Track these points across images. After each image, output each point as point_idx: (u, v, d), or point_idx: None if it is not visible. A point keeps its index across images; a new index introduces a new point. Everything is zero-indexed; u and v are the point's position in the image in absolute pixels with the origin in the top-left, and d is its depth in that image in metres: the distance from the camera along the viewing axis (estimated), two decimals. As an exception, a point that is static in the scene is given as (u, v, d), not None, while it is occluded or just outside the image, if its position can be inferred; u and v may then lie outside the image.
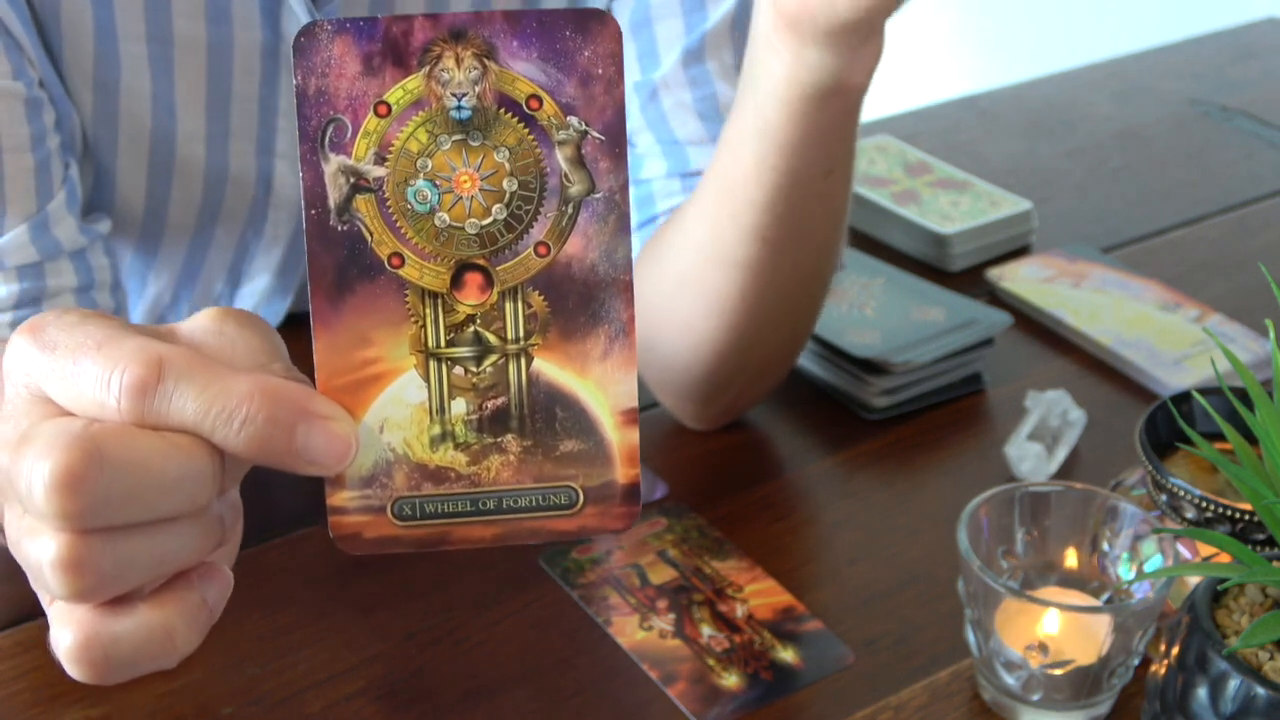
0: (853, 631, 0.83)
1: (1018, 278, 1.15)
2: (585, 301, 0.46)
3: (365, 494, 0.47)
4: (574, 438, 0.47)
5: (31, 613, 0.82)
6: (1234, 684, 0.63)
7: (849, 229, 0.96)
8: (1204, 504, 0.75)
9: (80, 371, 0.44)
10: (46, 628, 0.46)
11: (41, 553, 0.43)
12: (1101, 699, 0.75)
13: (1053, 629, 0.74)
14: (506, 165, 0.46)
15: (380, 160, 0.45)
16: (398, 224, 0.46)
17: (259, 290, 1.02)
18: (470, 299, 0.46)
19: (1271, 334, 0.66)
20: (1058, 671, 0.73)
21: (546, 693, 0.79)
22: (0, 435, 0.45)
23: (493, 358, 0.47)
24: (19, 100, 0.81)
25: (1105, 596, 0.78)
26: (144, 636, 0.45)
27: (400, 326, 0.46)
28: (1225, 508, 0.75)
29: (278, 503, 0.87)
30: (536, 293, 0.46)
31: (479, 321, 0.46)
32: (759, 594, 0.85)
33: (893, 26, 0.77)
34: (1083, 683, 0.74)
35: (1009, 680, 0.75)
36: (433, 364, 0.47)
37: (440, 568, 0.86)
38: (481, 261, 0.46)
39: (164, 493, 0.43)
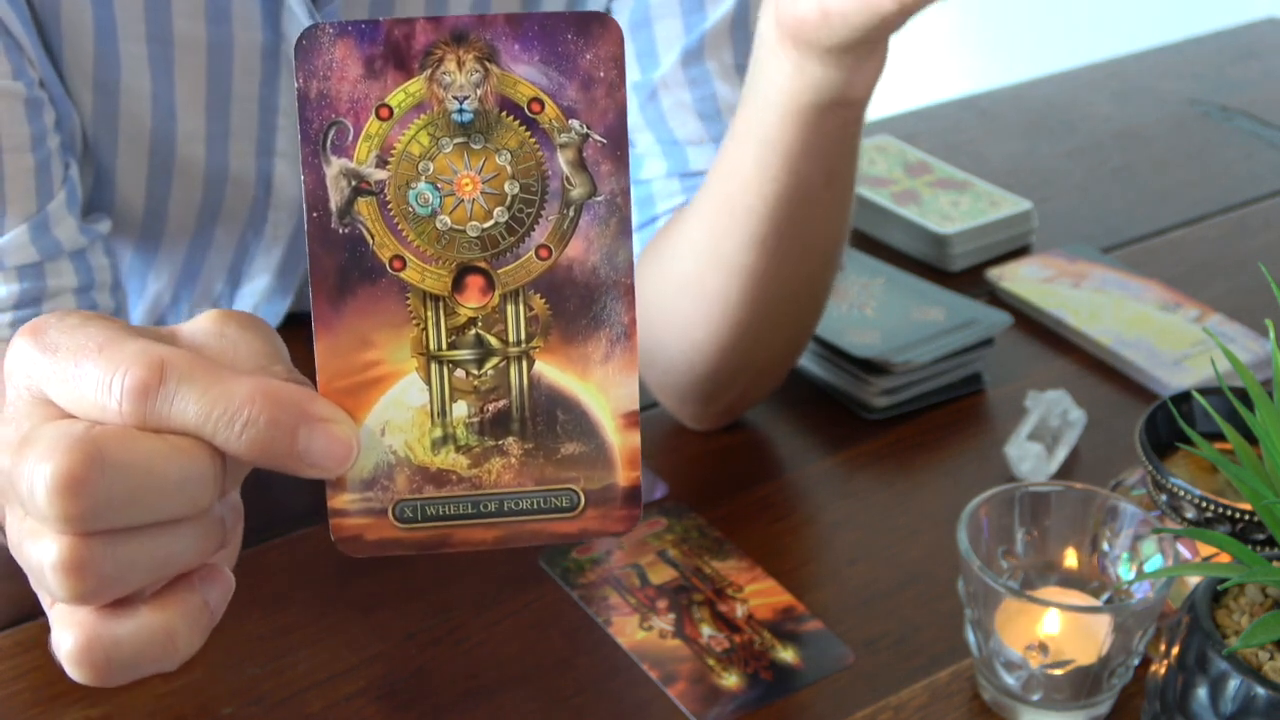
0: (853, 631, 0.83)
1: (1018, 278, 1.15)
2: (586, 304, 0.46)
3: (366, 496, 0.47)
4: (575, 440, 0.47)
5: (31, 613, 0.82)
6: (1234, 684, 0.63)
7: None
8: (1204, 504, 0.75)
9: (82, 374, 0.44)
10: (47, 628, 0.46)
11: (43, 555, 0.43)
12: (1101, 699, 0.75)
13: (1053, 629, 0.74)
14: (508, 168, 0.46)
15: (382, 163, 0.45)
16: (399, 227, 0.46)
17: (259, 290, 1.02)
18: (472, 302, 0.46)
19: (1271, 334, 0.66)
20: (1058, 671, 0.73)
21: (546, 693, 0.79)
22: (1, 437, 0.46)
23: (494, 360, 0.47)
24: (19, 100, 0.81)
25: (1105, 596, 0.78)
26: (145, 639, 0.45)
27: (402, 329, 0.46)
28: (1225, 508, 0.75)
29: (278, 503, 0.87)
30: (538, 295, 0.46)
31: (480, 324, 0.47)
32: (759, 594, 0.85)
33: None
34: (1083, 683, 0.74)
35: (1009, 680, 0.75)
36: (434, 367, 0.47)
37: (440, 568, 0.86)
38: (483, 264, 0.46)
39: (165, 495, 0.43)
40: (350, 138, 0.45)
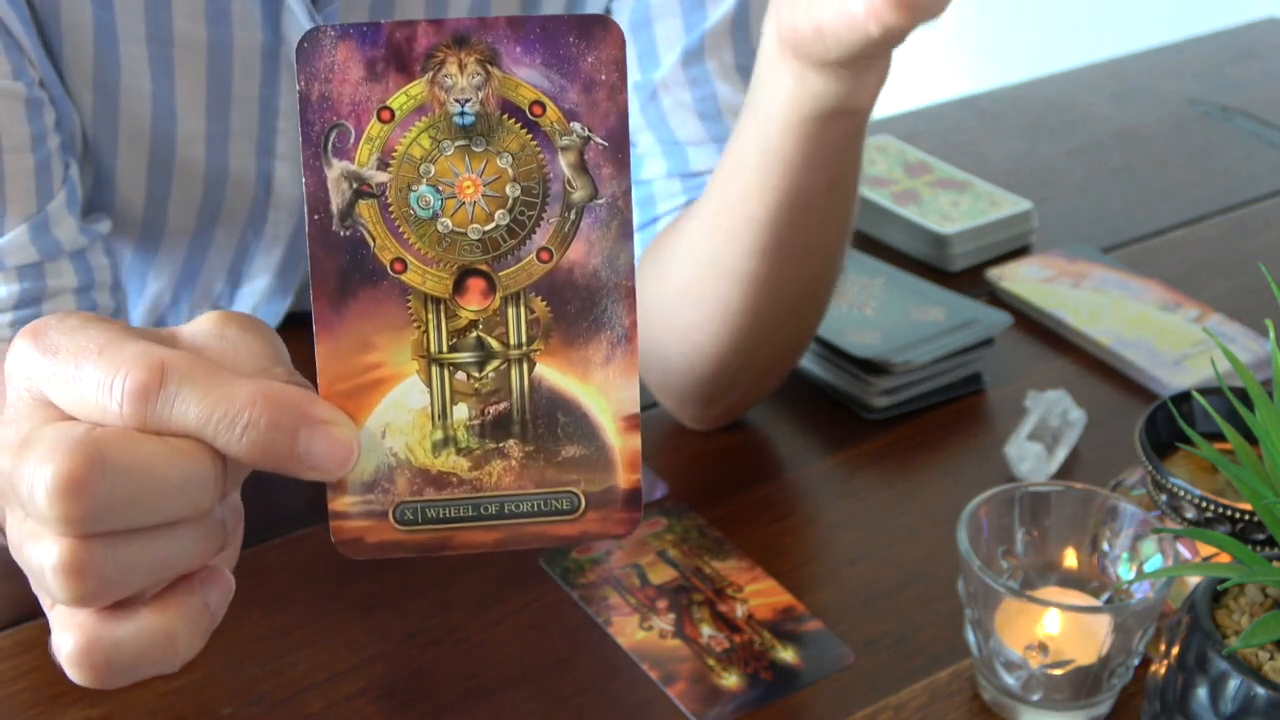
0: (853, 631, 0.83)
1: (1018, 278, 1.15)
2: (587, 307, 0.46)
3: (367, 499, 0.47)
4: (576, 443, 0.47)
5: (31, 613, 0.82)
6: (1234, 684, 0.63)
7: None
8: (1204, 504, 0.75)
9: (82, 376, 0.44)
10: (47, 628, 0.46)
11: (43, 557, 0.43)
12: (1101, 699, 0.75)
13: (1053, 629, 0.74)
14: (509, 171, 0.46)
15: (383, 166, 0.45)
16: (400, 229, 0.46)
17: (259, 290, 1.02)
18: (473, 304, 0.46)
19: (1271, 334, 0.66)
20: (1058, 671, 0.74)
21: (546, 693, 0.79)
22: (2, 439, 0.46)
23: (495, 363, 0.47)
24: (19, 100, 0.81)
25: (1105, 596, 0.78)
26: (145, 641, 0.45)
27: (402, 332, 0.46)
28: (1225, 508, 0.75)
29: (278, 503, 0.87)
30: (539, 298, 0.46)
31: (481, 327, 0.47)
32: (759, 594, 0.85)
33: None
34: (1083, 683, 0.74)
35: (1009, 680, 0.75)
36: (435, 369, 0.47)
37: (440, 568, 0.86)
38: (484, 267, 0.46)
39: (166, 498, 0.43)
40: (351, 140, 0.45)
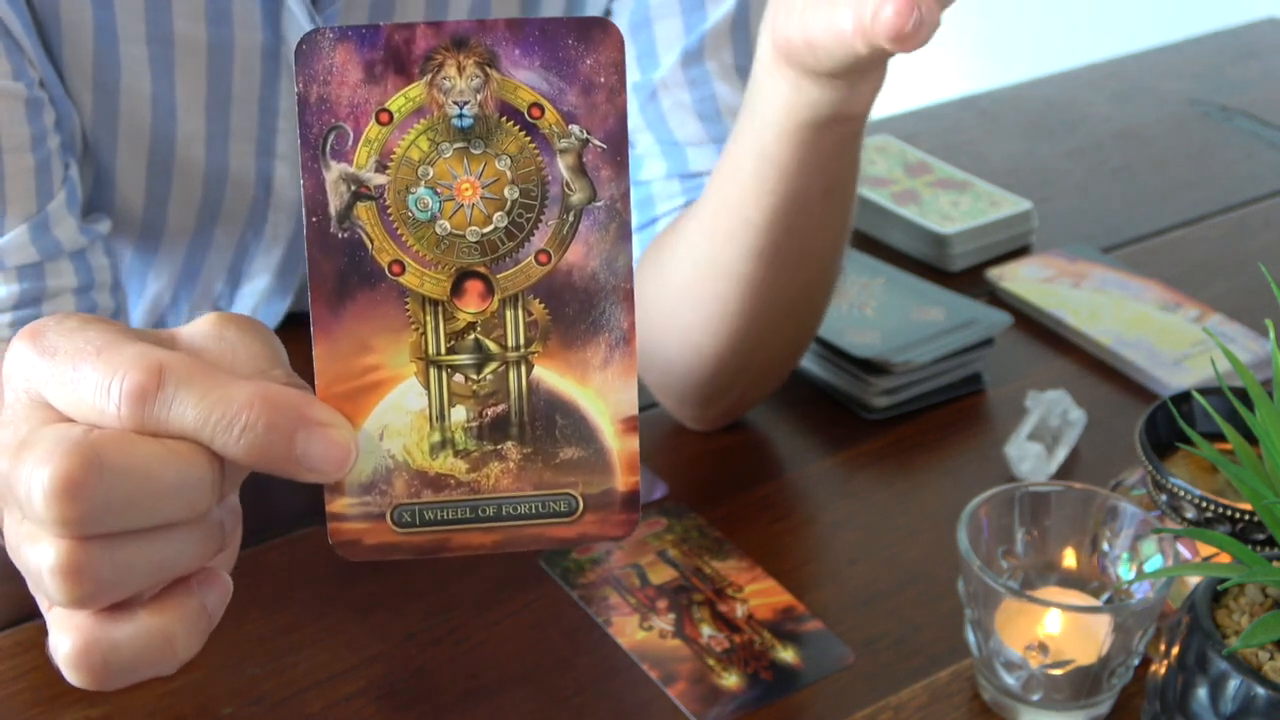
0: (853, 631, 0.83)
1: (1018, 278, 1.15)
2: (586, 309, 0.46)
3: (365, 501, 0.47)
4: (574, 445, 0.47)
5: (31, 613, 0.81)
6: (1234, 684, 0.63)
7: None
8: (1204, 504, 0.75)
9: (80, 377, 0.44)
10: (46, 629, 0.46)
11: (41, 559, 0.43)
12: (1101, 699, 0.75)
13: (1053, 629, 0.74)
14: (508, 173, 0.46)
15: (381, 168, 0.45)
16: (398, 231, 0.46)
17: (259, 290, 1.02)
18: (471, 306, 0.46)
19: (1271, 334, 0.66)
20: (1058, 671, 0.74)
21: (546, 693, 0.79)
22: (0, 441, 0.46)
23: (493, 365, 0.47)
24: (19, 100, 0.81)
25: (1105, 596, 0.78)
26: (143, 642, 0.45)
27: (401, 334, 0.46)
28: (1225, 508, 0.75)
29: (277, 503, 0.87)
30: (537, 300, 0.46)
31: (479, 329, 0.47)
32: (759, 594, 0.85)
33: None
34: (1083, 683, 0.74)
35: (1009, 680, 0.75)
36: (433, 371, 0.47)
37: (440, 568, 0.86)
38: (482, 269, 0.46)
39: (163, 499, 0.43)
40: (350, 142, 0.45)
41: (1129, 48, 1.62)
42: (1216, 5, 1.91)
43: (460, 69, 0.45)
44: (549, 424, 0.47)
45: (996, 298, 1.14)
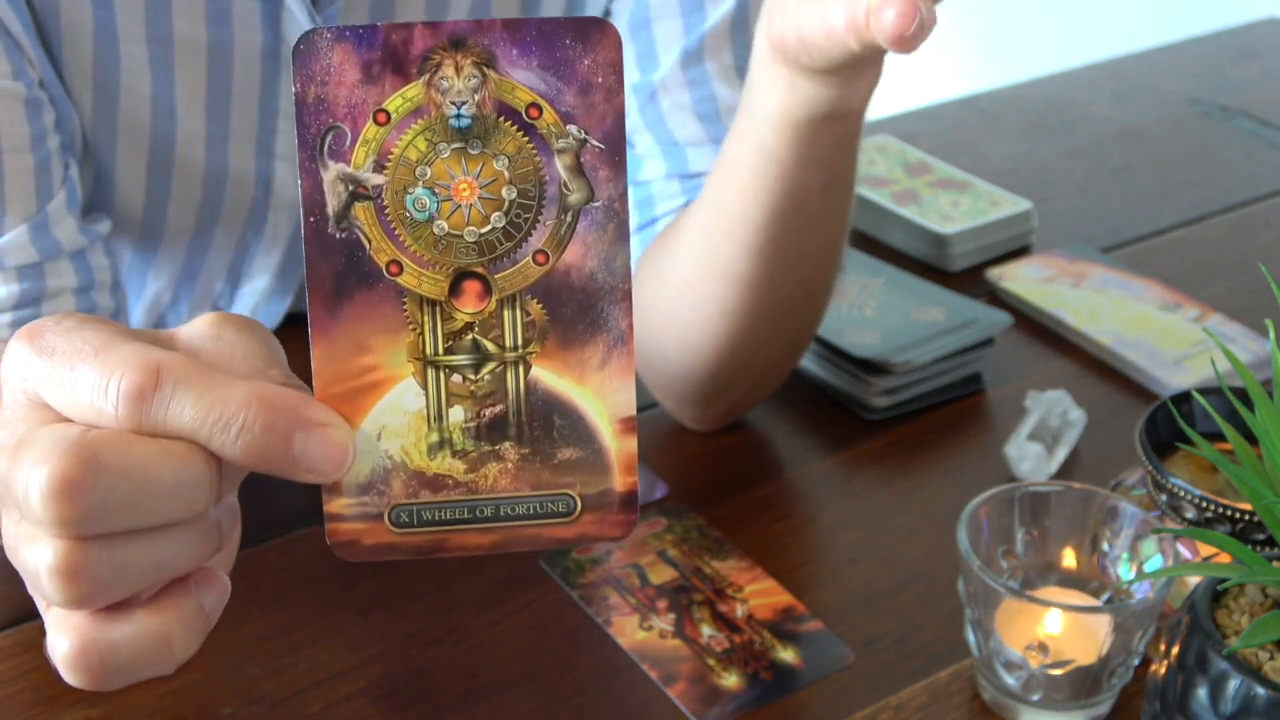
0: (853, 631, 0.83)
1: (1018, 278, 1.15)
2: (584, 310, 0.46)
3: (363, 501, 0.47)
4: (572, 445, 0.47)
5: (31, 613, 0.81)
6: (1234, 684, 0.63)
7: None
8: (1204, 504, 0.75)
9: (78, 378, 0.44)
10: (45, 630, 0.46)
11: (39, 559, 0.43)
12: (1101, 699, 0.75)
13: (1053, 629, 0.74)
14: (505, 173, 0.46)
15: (379, 168, 0.45)
16: (396, 232, 0.46)
17: (259, 290, 1.02)
18: (469, 307, 0.46)
19: (1271, 334, 0.66)
20: (1058, 671, 0.73)
21: (546, 693, 0.79)
22: (-2, 441, 0.46)
23: (491, 365, 0.47)
24: (19, 100, 0.81)
25: (1105, 596, 0.78)
26: (141, 643, 0.45)
27: (398, 334, 0.46)
28: (1225, 508, 0.75)
29: (277, 503, 0.87)
30: (535, 301, 0.46)
31: (477, 329, 0.47)
32: (759, 594, 0.85)
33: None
34: (1083, 683, 0.74)
35: (1009, 680, 0.75)
36: (431, 371, 0.47)
37: (440, 568, 0.86)
38: (480, 269, 0.46)
39: (161, 499, 0.43)
40: (347, 143, 0.45)
41: (1129, 48, 1.62)
42: (1216, 5, 1.91)
43: (458, 69, 0.45)
44: (547, 424, 0.47)
45: (996, 298, 1.14)
